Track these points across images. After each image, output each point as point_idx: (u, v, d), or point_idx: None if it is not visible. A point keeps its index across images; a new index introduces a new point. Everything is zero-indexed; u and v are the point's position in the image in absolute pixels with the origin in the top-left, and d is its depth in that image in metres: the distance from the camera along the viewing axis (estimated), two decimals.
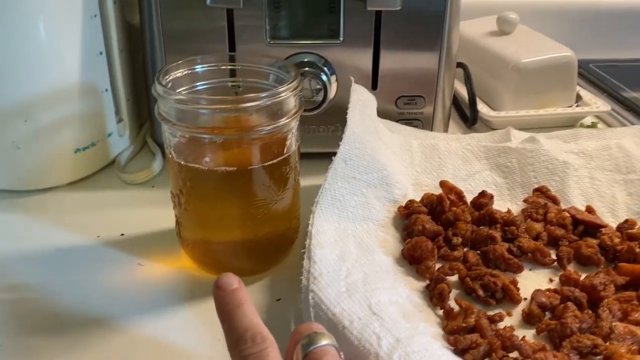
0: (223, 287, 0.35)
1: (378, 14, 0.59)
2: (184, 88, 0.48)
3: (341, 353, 0.33)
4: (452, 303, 0.44)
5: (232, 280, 0.35)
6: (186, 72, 0.48)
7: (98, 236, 0.54)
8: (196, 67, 0.49)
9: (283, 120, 0.44)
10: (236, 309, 0.34)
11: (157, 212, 0.56)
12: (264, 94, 0.43)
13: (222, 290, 0.35)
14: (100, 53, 0.60)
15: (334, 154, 0.52)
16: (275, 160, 0.46)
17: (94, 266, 0.51)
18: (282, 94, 0.44)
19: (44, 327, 0.44)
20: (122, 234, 0.54)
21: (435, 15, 0.60)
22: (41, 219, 0.57)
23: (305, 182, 0.52)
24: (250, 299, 0.35)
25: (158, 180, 0.63)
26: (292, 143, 0.47)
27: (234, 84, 0.50)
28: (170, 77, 0.47)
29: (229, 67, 0.50)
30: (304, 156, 0.51)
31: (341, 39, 0.60)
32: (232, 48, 0.60)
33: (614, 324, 0.41)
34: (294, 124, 0.47)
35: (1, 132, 0.57)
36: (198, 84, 0.49)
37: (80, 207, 0.59)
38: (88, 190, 0.61)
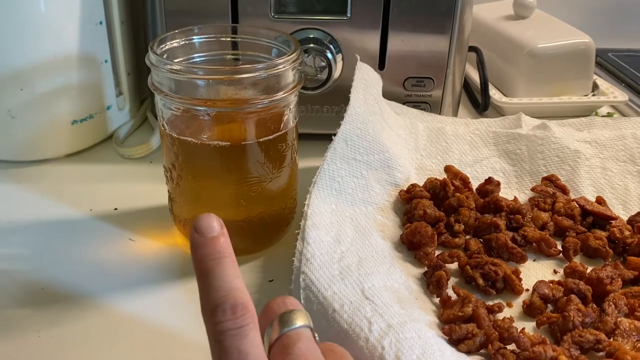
0: (202, 231, 0.28)
1: None
2: (180, 59, 0.46)
3: (316, 334, 0.30)
4: (450, 291, 0.43)
5: (214, 224, 0.29)
6: (183, 42, 0.46)
7: (91, 210, 0.53)
8: (193, 37, 0.47)
9: (280, 95, 0.43)
10: (216, 264, 0.28)
11: (153, 188, 0.55)
12: (260, 65, 0.41)
13: (202, 235, 0.28)
14: (100, 23, 0.59)
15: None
16: (271, 137, 0.44)
17: (85, 240, 0.49)
18: (280, 67, 0.42)
19: (28, 299, 0.43)
20: (116, 209, 0.53)
21: None
22: (34, 190, 0.55)
23: (306, 163, 0.50)
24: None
25: (156, 156, 0.62)
26: (290, 119, 0.45)
27: (233, 57, 0.48)
28: (166, 47, 0.45)
29: (229, 39, 0.48)
30: (305, 137, 0.49)
31: (349, 15, 0.58)
32: (235, 22, 0.58)
33: (619, 319, 0.39)
34: (292, 99, 0.45)
35: None
36: (195, 55, 0.47)
37: (75, 180, 0.58)
38: (84, 163, 0.60)
